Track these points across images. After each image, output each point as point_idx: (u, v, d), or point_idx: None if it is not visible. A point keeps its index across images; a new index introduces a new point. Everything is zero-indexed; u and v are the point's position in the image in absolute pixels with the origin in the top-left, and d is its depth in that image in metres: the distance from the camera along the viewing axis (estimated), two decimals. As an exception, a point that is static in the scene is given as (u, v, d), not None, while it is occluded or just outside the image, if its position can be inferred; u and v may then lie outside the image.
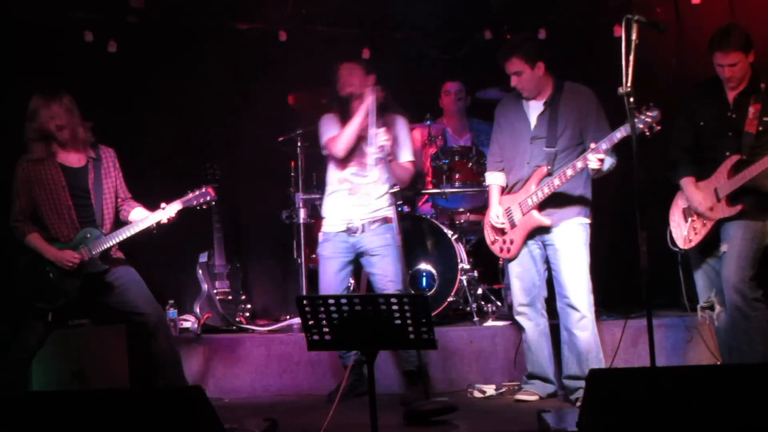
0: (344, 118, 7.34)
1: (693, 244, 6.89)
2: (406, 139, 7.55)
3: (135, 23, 9.28)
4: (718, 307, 6.98)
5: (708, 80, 6.92)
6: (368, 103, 7.15)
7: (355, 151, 7.36)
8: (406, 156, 7.51)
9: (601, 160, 6.57)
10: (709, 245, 6.83)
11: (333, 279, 7.40)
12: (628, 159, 5.90)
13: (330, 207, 7.50)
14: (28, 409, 5.03)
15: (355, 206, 7.33)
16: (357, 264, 7.56)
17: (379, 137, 7.07)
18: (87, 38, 9.09)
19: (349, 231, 7.34)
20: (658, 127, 6.18)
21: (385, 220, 7.31)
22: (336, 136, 7.37)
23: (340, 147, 7.33)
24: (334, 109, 7.49)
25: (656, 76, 8.65)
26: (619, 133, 6.44)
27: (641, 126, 6.13)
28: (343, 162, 7.40)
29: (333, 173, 7.51)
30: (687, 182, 6.88)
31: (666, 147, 6.99)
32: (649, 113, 6.16)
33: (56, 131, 6.75)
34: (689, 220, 6.90)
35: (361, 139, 7.27)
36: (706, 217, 6.73)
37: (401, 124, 7.55)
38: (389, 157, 7.16)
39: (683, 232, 6.92)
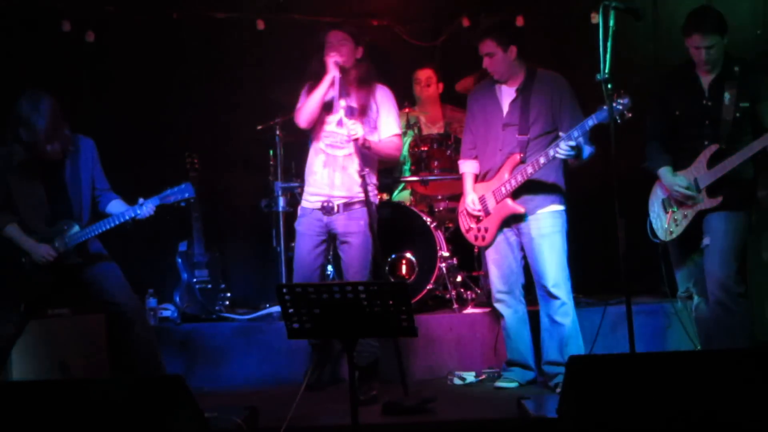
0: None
1: (674, 236, 6.80)
2: (390, 111, 7.31)
3: (113, 13, 9.24)
4: (696, 298, 6.98)
5: (679, 67, 6.87)
6: (332, 76, 7.00)
7: (325, 124, 7.23)
8: (390, 129, 7.29)
9: (575, 148, 6.58)
10: (689, 236, 6.77)
11: (306, 255, 7.25)
12: (606, 146, 5.93)
13: (309, 181, 7.32)
14: (9, 398, 5.03)
15: (332, 183, 7.15)
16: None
17: (348, 126, 6.92)
18: (64, 28, 9.04)
19: (324, 210, 7.16)
20: (629, 114, 6.12)
21: (361, 203, 7.13)
22: (300, 106, 7.26)
23: (302, 118, 7.21)
24: (312, 78, 7.26)
25: (633, 62, 8.66)
26: (591, 121, 6.44)
27: (613, 113, 6.11)
28: (317, 133, 7.26)
29: (311, 145, 7.36)
30: (665, 171, 6.79)
31: (642, 132, 7.00)
32: (620, 101, 6.11)
33: (43, 139, 6.70)
34: (669, 211, 6.82)
35: (330, 111, 7.16)
36: (689, 204, 6.66)
37: (383, 95, 7.32)
38: (366, 144, 7.02)
39: (664, 225, 6.86)
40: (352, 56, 7.19)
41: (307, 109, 7.15)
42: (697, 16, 6.58)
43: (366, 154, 7.10)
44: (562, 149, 6.56)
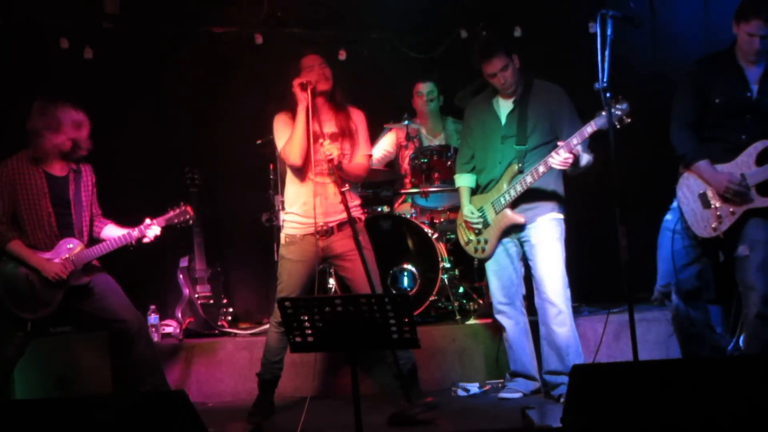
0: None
1: (716, 233, 6.41)
2: (364, 132, 7.13)
3: (110, 29, 9.24)
4: (675, 297, 6.71)
5: (721, 53, 6.56)
6: (304, 104, 6.73)
7: (312, 153, 6.82)
8: (364, 150, 7.10)
9: (569, 159, 6.57)
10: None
11: (299, 282, 6.92)
12: (606, 153, 5.92)
13: (296, 210, 7.00)
14: (11, 417, 5.01)
15: (325, 211, 6.88)
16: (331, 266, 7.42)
17: (326, 147, 6.70)
18: (62, 45, 9.04)
19: (320, 233, 6.90)
20: (629, 120, 6.10)
21: (354, 221, 6.80)
22: (286, 144, 6.86)
23: (296, 155, 6.79)
24: (287, 107, 6.99)
25: (632, 70, 8.66)
26: (590, 128, 6.43)
27: (612, 119, 6.08)
28: (305, 164, 6.87)
29: (293, 175, 7.04)
30: (705, 165, 6.44)
31: (643, 140, 6.98)
32: (618, 106, 6.09)
33: (78, 146, 6.73)
34: (712, 205, 6.42)
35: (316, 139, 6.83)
36: (737, 200, 6.30)
37: (359, 117, 7.12)
38: (340, 166, 6.77)
39: (705, 219, 6.47)
40: (331, 80, 6.96)
41: (296, 143, 6.79)
42: (756, 2, 6.26)
43: (341, 174, 6.80)
44: (556, 159, 6.56)
